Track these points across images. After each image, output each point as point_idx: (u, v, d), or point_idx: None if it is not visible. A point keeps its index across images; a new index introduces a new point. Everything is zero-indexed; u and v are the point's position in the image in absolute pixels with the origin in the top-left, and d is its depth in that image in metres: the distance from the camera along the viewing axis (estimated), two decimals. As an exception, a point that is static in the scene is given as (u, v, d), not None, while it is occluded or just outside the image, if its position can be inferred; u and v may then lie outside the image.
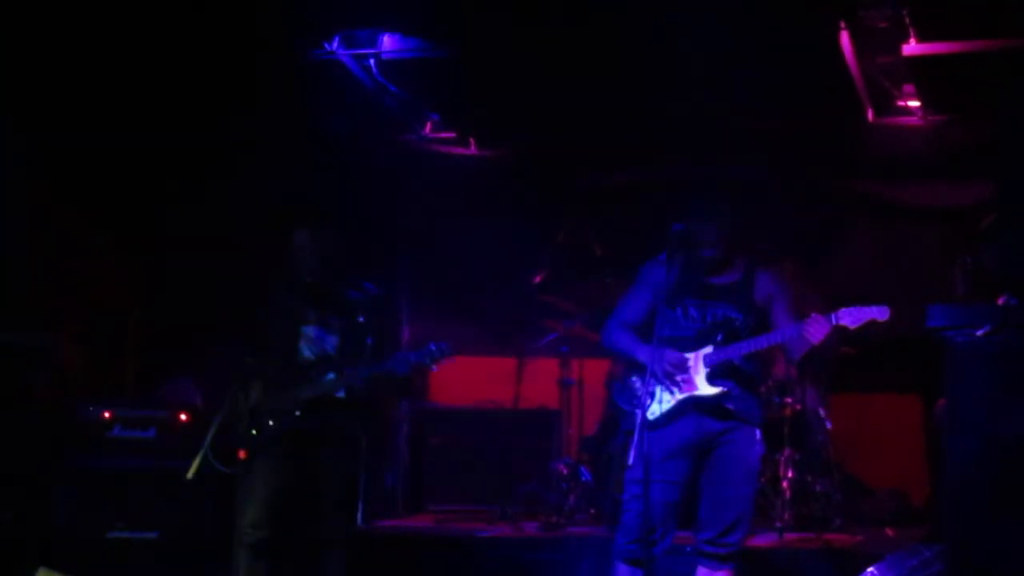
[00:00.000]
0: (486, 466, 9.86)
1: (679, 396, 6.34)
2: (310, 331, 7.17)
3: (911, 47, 8.49)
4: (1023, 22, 8.10)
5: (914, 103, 9.64)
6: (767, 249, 6.67)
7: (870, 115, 9.77)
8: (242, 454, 6.84)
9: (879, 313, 6.05)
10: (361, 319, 7.15)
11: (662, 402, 6.33)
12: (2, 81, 8.28)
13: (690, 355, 6.35)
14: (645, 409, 6.05)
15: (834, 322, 6.06)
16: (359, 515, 8.78)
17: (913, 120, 9.82)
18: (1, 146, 8.50)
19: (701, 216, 6.33)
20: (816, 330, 6.07)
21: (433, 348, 6.96)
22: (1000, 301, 6.04)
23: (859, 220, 10.45)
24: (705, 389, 6.34)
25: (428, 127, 10.60)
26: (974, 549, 4.96)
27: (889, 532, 8.76)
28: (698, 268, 6.44)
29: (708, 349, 6.34)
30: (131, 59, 8.53)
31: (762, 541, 8.20)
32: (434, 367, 7.02)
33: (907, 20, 8.21)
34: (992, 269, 6.91)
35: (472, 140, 10.73)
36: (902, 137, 9.89)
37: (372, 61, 9.10)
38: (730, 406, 6.36)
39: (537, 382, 9.91)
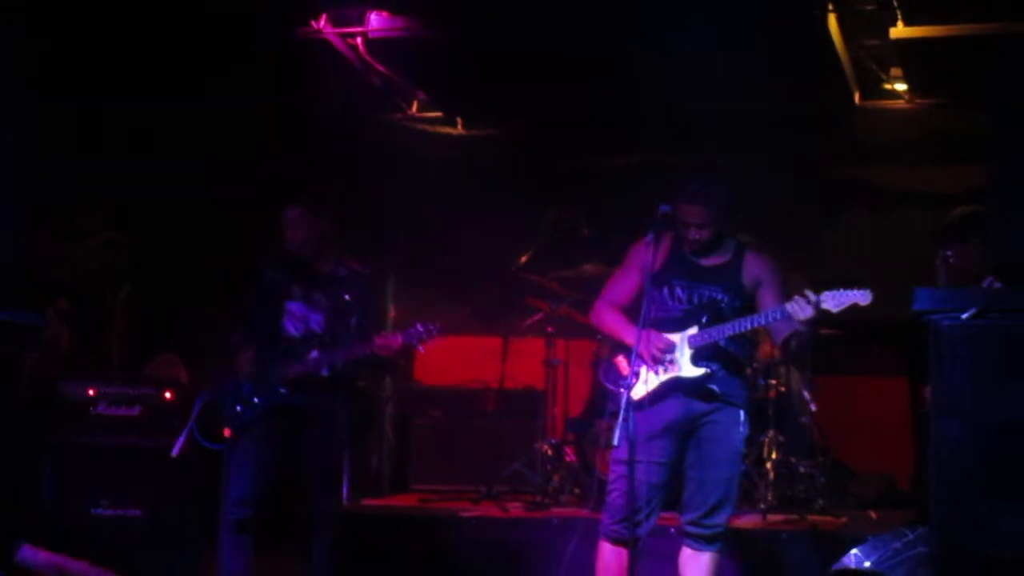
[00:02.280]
0: (471, 446, 9.86)
1: (664, 377, 6.35)
2: (295, 307, 7.17)
3: (898, 30, 8.50)
4: (1011, 6, 8.11)
5: (901, 86, 9.66)
6: (750, 239, 6.68)
7: (857, 98, 9.78)
8: (227, 431, 6.84)
9: (861, 297, 6.06)
10: (347, 297, 7.15)
11: (647, 382, 6.34)
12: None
13: (676, 336, 6.36)
14: (630, 389, 6.07)
15: (818, 304, 6.07)
16: (344, 494, 8.78)
17: (900, 104, 9.84)
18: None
19: (689, 197, 6.34)
20: (800, 312, 6.08)
21: (420, 329, 6.95)
22: (984, 284, 6.06)
23: (846, 203, 10.46)
24: (689, 370, 6.35)
25: (415, 106, 10.60)
26: (958, 531, 4.98)
27: (873, 514, 8.78)
28: (686, 249, 6.45)
29: (693, 330, 6.35)
30: (120, 35, 8.51)
31: (746, 522, 8.22)
32: (421, 347, 7.02)
33: (895, 3, 8.22)
34: (958, 265, 6.91)
35: (459, 120, 10.72)
36: (889, 121, 9.92)
37: (359, 40, 9.09)
38: (714, 387, 6.37)
39: (523, 362, 9.89)
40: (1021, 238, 5.20)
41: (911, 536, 6.42)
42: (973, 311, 4.92)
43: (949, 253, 6.82)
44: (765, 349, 8.88)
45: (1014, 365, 5.01)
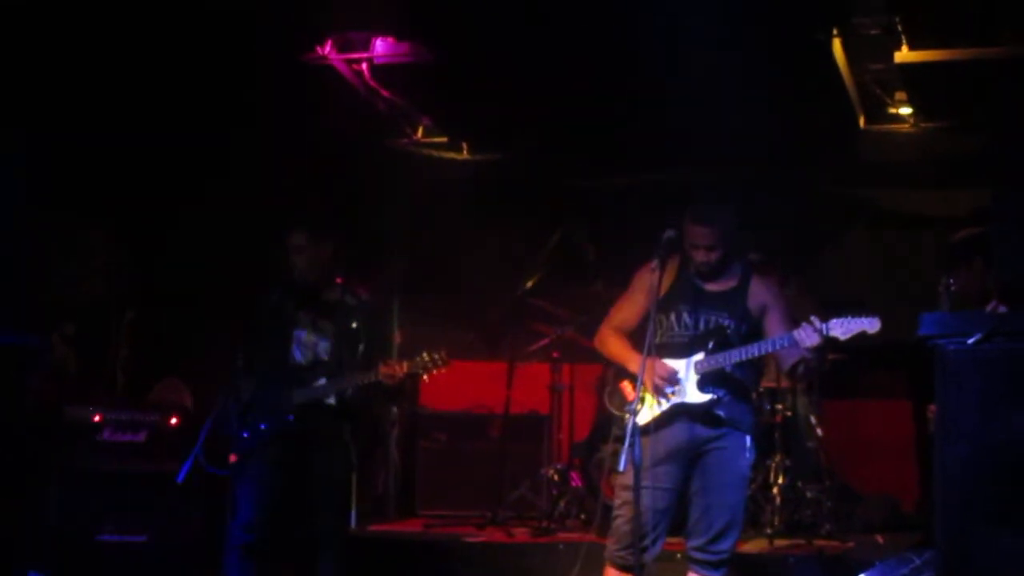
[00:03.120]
0: (477, 471, 9.85)
1: (670, 402, 6.34)
2: (302, 335, 7.17)
3: (903, 54, 8.51)
4: (1015, 30, 8.12)
5: (906, 110, 9.67)
6: (757, 259, 6.68)
7: (862, 122, 9.79)
8: (233, 457, 6.83)
9: (870, 324, 6.05)
10: (354, 325, 7.15)
11: (653, 408, 6.34)
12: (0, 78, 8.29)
13: (681, 362, 6.35)
14: (636, 415, 6.06)
15: (825, 332, 6.06)
16: (351, 519, 8.77)
17: (905, 127, 9.84)
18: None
19: (695, 222, 6.34)
20: (807, 340, 6.08)
21: (426, 358, 6.95)
22: (988, 308, 6.05)
23: (850, 226, 10.47)
24: (695, 396, 6.34)
25: (420, 131, 10.61)
26: (964, 556, 4.96)
27: (879, 539, 8.76)
28: (692, 274, 6.45)
29: (699, 356, 6.34)
30: (126, 59, 8.53)
31: (752, 547, 8.19)
32: (426, 377, 7.02)
33: (899, 27, 8.23)
34: (970, 286, 6.91)
35: (464, 144, 10.73)
36: (893, 144, 9.92)
37: (364, 65, 9.11)
38: (721, 413, 6.36)
39: (528, 387, 9.88)
40: (1024, 261, 5.20)
41: (917, 562, 6.41)
42: (979, 336, 4.92)
43: (951, 281, 6.82)
44: (771, 374, 8.88)
45: (1020, 389, 5.00)
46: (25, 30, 8.18)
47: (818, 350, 6.11)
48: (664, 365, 6.32)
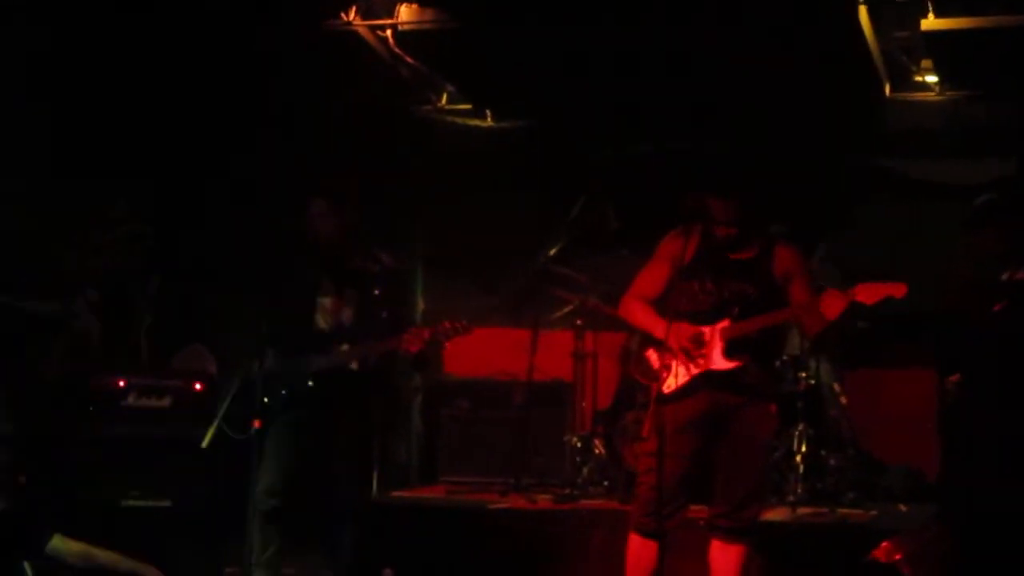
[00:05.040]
0: (499, 438, 9.85)
1: (695, 370, 6.34)
2: (326, 302, 7.19)
3: (929, 22, 8.46)
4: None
5: (931, 78, 9.62)
6: (780, 231, 6.65)
7: (887, 90, 9.74)
8: (256, 423, 6.85)
9: (895, 290, 6.03)
10: (377, 292, 7.16)
11: (678, 376, 6.33)
12: (27, 43, 8.30)
13: (706, 329, 6.34)
14: (661, 382, 6.06)
15: (850, 298, 6.05)
16: (373, 486, 8.80)
17: (930, 95, 9.79)
18: (20, 111, 8.50)
19: (718, 192, 6.31)
20: (832, 305, 6.06)
21: (448, 326, 6.97)
22: (1004, 276, 6.02)
23: (877, 195, 10.43)
24: (720, 363, 6.33)
25: (444, 98, 10.59)
26: (978, 519, 4.99)
27: (902, 508, 8.75)
28: (717, 243, 6.42)
29: (724, 323, 6.33)
30: (150, 28, 8.55)
31: (775, 515, 8.19)
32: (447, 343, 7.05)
33: (926, -5, 8.20)
34: (987, 251, 6.88)
35: (488, 112, 10.71)
36: (919, 113, 9.87)
37: (389, 32, 9.10)
38: (745, 380, 6.35)
39: (551, 355, 9.87)
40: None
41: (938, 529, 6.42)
42: (1005, 304, 4.92)
43: (971, 242, 6.80)
44: (795, 341, 8.87)
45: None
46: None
47: (843, 316, 6.10)
48: (688, 327, 6.31)
